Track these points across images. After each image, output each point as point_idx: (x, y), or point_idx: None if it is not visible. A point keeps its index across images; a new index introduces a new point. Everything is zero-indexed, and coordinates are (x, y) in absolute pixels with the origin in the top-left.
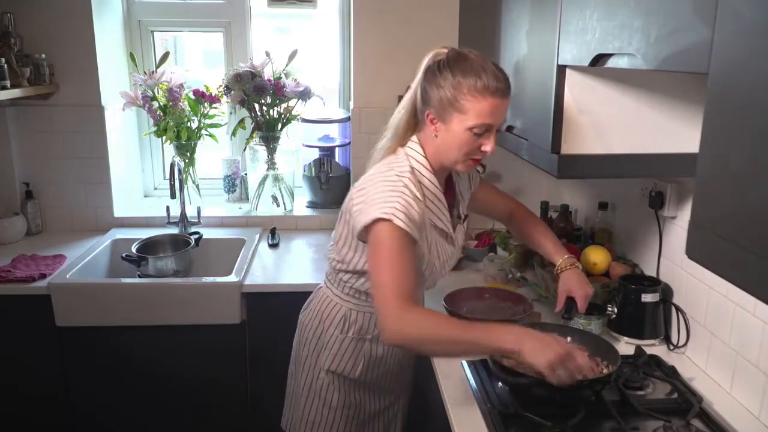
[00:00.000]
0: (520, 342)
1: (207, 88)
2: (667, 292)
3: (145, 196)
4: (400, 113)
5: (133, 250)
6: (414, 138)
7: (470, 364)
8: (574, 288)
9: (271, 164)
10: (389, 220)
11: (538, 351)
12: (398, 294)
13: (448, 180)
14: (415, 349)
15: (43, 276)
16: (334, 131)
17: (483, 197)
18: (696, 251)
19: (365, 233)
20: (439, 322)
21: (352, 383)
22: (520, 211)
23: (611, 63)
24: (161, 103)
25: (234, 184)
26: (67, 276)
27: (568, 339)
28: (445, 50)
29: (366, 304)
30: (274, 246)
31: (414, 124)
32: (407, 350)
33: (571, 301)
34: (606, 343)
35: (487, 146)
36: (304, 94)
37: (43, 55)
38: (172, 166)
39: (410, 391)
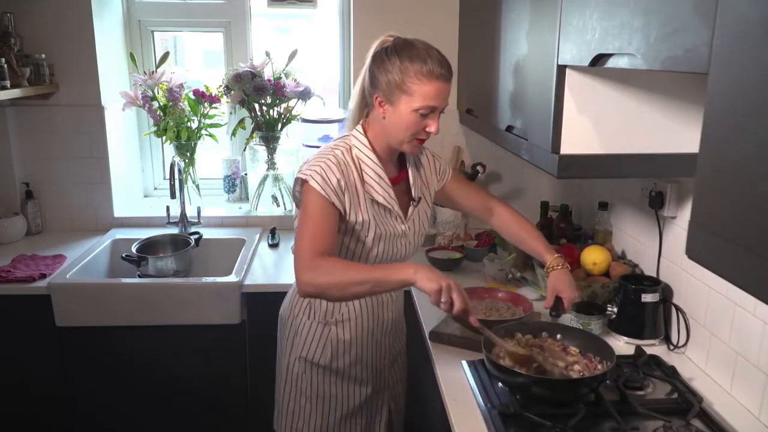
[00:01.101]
0: (416, 273)
1: (207, 88)
2: (667, 292)
3: (145, 196)
4: (353, 99)
5: (133, 250)
6: (359, 124)
7: (470, 364)
8: (563, 288)
9: (271, 164)
10: (306, 181)
11: (429, 279)
12: (311, 249)
13: (401, 163)
14: (327, 295)
15: (43, 276)
16: (334, 131)
17: (452, 190)
18: (696, 251)
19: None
20: (346, 267)
21: (325, 372)
22: (504, 210)
23: (611, 63)
24: (161, 103)
25: (234, 184)
26: (67, 276)
27: (558, 336)
28: (392, 38)
29: None
30: (274, 246)
31: (364, 107)
32: (321, 298)
33: (559, 299)
34: (601, 341)
35: (432, 127)
36: (304, 94)
37: (43, 55)
38: (172, 166)
39: (396, 389)
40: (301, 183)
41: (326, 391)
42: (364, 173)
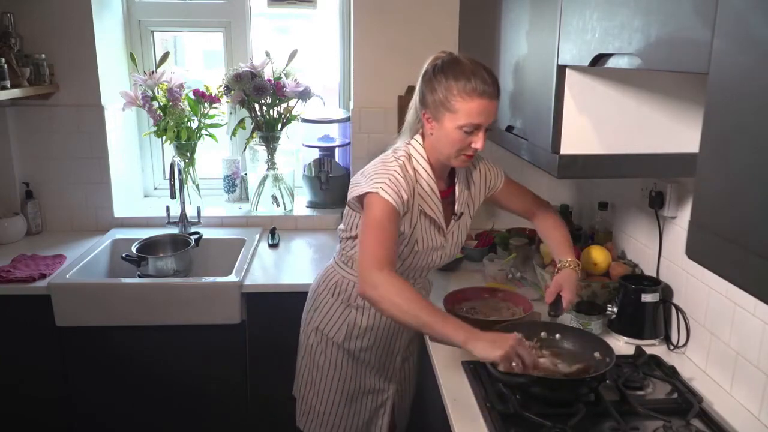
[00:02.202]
0: (467, 342)
1: (207, 88)
2: (667, 292)
3: (145, 196)
4: (409, 112)
5: (133, 250)
6: (419, 134)
7: (470, 364)
8: (567, 287)
9: (271, 164)
10: (376, 193)
11: (490, 349)
12: (377, 257)
13: (450, 177)
14: (379, 308)
15: (43, 276)
16: (334, 131)
17: (499, 198)
18: (696, 251)
19: (358, 204)
20: (408, 296)
21: (337, 348)
22: (540, 210)
23: (611, 63)
24: (161, 103)
25: (234, 184)
26: (67, 276)
27: (557, 336)
28: (443, 54)
29: (355, 276)
30: (274, 246)
31: (418, 121)
32: (374, 306)
33: (558, 299)
34: (600, 340)
35: (477, 144)
36: (304, 94)
37: (43, 55)
38: (172, 166)
39: (404, 388)
40: (365, 193)
41: (337, 366)
42: (418, 184)
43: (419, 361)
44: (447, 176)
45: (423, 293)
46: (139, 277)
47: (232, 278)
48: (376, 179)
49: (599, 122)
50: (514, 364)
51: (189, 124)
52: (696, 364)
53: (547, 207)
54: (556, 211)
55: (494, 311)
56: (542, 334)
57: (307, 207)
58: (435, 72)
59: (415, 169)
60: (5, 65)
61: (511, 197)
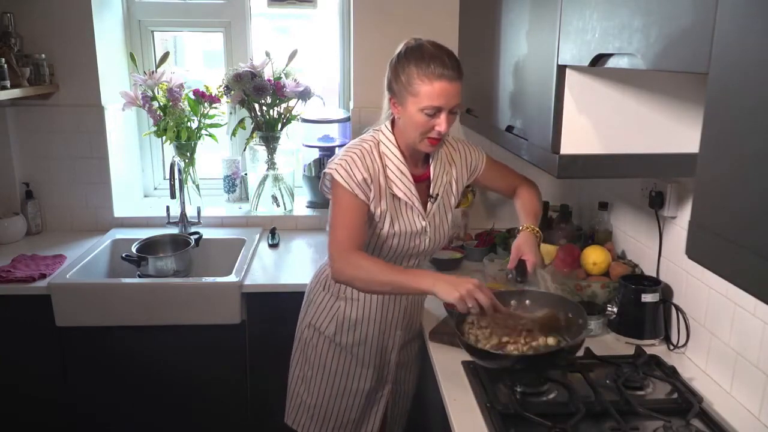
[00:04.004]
0: (434, 284)
1: (207, 88)
2: (667, 292)
3: (145, 196)
4: (384, 100)
5: (133, 250)
6: (389, 120)
7: (470, 364)
8: (526, 251)
9: (271, 164)
10: (332, 176)
11: (448, 291)
12: (339, 240)
13: (428, 160)
14: (354, 286)
15: (43, 276)
16: (334, 131)
17: (483, 179)
18: (696, 251)
19: (327, 191)
20: (372, 264)
21: (329, 343)
22: (522, 188)
23: (611, 63)
24: (161, 103)
25: (234, 184)
26: (67, 276)
27: (527, 302)
28: (411, 41)
29: None
30: (274, 246)
31: (389, 108)
32: (349, 286)
33: (522, 264)
34: (570, 302)
35: (440, 126)
36: (304, 94)
37: (43, 55)
38: (172, 166)
39: (400, 388)
40: (329, 177)
41: (329, 364)
42: (387, 168)
43: (418, 365)
44: (423, 160)
45: None
46: (139, 277)
47: (232, 278)
48: (333, 163)
49: (599, 122)
50: (470, 305)
51: (189, 124)
52: (696, 364)
53: (527, 181)
54: (534, 185)
55: None
56: (512, 302)
57: (307, 207)
58: (399, 58)
59: (383, 154)
60: (5, 65)
61: (495, 178)
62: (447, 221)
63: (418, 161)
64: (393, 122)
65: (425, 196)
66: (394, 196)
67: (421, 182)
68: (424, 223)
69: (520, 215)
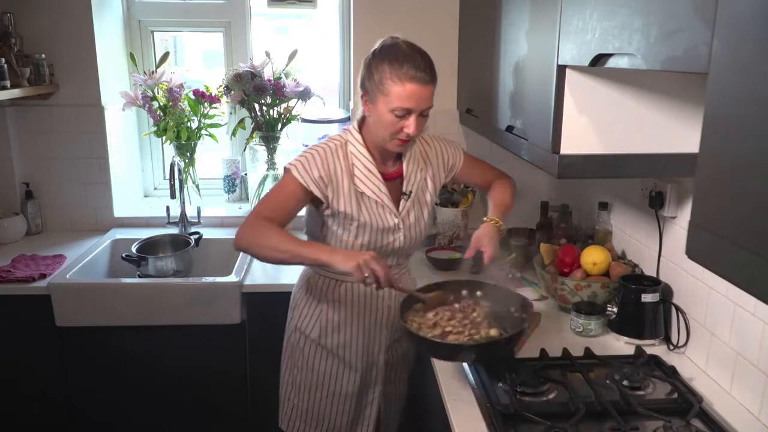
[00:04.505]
0: (331, 255)
1: (207, 88)
2: (667, 292)
3: (145, 196)
4: (356, 96)
5: (133, 250)
6: (356, 120)
7: (470, 364)
8: (485, 243)
9: (271, 164)
10: (289, 170)
11: (344, 261)
12: (262, 210)
13: (399, 157)
14: (253, 252)
15: (43, 276)
16: (334, 131)
17: (461, 176)
18: (696, 251)
19: None
20: (275, 234)
21: (315, 346)
22: (496, 183)
23: (611, 63)
24: (161, 103)
25: (234, 184)
26: (67, 276)
27: (479, 293)
28: (387, 39)
29: (324, 271)
30: None
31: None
32: (249, 254)
33: (480, 255)
34: (520, 296)
35: (409, 129)
36: (304, 94)
37: (43, 55)
38: (172, 166)
39: (391, 390)
40: (287, 171)
41: (316, 367)
42: (354, 167)
43: (408, 365)
44: (396, 157)
45: (410, 284)
46: (139, 277)
47: (232, 278)
48: (294, 159)
49: (599, 122)
50: (366, 274)
51: (189, 124)
52: (696, 364)
53: (503, 176)
54: (510, 179)
55: None
56: (463, 292)
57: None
58: (374, 55)
59: (350, 153)
60: (5, 65)
61: (473, 174)
62: (424, 218)
63: (388, 159)
64: (362, 121)
65: (398, 194)
66: (362, 194)
67: (393, 180)
68: (396, 221)
69: (489, 207)
